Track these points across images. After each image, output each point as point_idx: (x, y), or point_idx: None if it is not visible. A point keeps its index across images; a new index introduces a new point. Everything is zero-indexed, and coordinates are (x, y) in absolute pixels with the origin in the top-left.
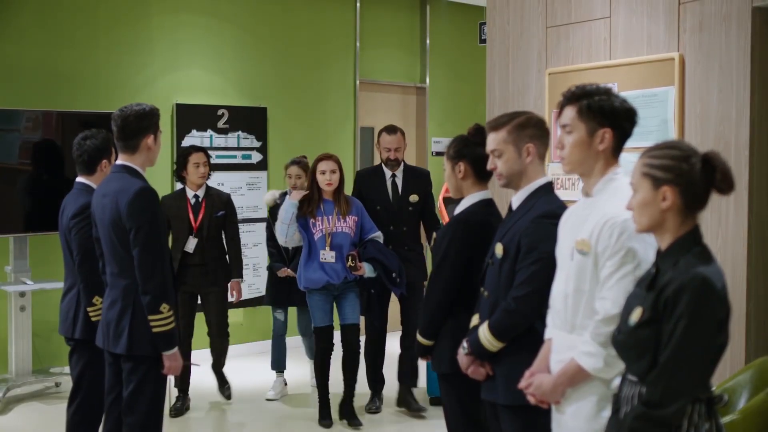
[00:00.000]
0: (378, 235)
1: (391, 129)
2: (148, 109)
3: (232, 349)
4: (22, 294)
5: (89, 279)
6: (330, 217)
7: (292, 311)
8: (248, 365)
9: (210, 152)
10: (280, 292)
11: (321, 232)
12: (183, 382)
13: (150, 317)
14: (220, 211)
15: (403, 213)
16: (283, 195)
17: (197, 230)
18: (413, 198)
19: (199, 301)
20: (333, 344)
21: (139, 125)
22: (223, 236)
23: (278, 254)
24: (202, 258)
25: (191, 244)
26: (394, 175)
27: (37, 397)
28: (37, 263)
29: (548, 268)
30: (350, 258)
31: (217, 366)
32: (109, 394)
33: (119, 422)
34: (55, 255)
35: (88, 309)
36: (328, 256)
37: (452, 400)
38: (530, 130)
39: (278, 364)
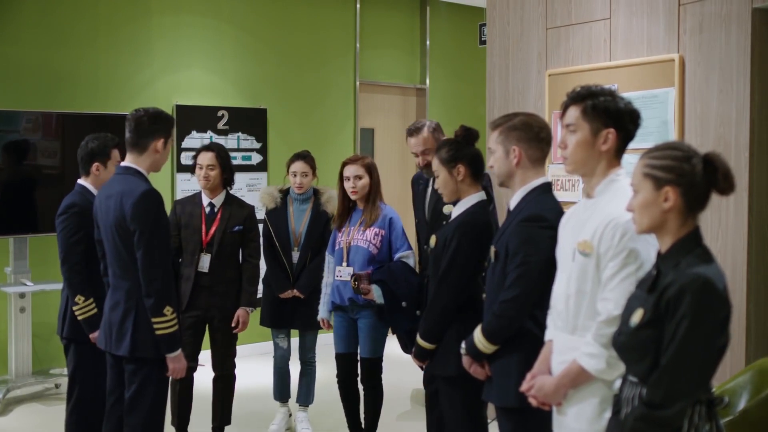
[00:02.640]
0: (405, 255)
1: (412, 129)
2: (164, 114)
3: (239, 350)
4: (22, 295)
5: (71, 277)
6: (353, 228)
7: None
8: (253, 366)
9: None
10: (282, 313)
11: (339, 245)
12: (181, 420)
13: (153, 319)
14: (237, 226)
15: (435, 230)
16: (285, 193)
17: (207, 245)
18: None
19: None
20: (355, 374)
21: (151, 126)
22: (240, 255)
23: (281, 271)
24: (212, 279)
25: (204, 262)
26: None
27: (37, 399)
28: (38, 264)
29: (534, 271)
30: (354, 279)
31: (221, 425)
32: (111, 395)
33: (120, 423)
34: (55, 256)
35: (73, 308)
36: (344, 273)
37: (456, 403)
38: (520, 133)
39: (281, 394)
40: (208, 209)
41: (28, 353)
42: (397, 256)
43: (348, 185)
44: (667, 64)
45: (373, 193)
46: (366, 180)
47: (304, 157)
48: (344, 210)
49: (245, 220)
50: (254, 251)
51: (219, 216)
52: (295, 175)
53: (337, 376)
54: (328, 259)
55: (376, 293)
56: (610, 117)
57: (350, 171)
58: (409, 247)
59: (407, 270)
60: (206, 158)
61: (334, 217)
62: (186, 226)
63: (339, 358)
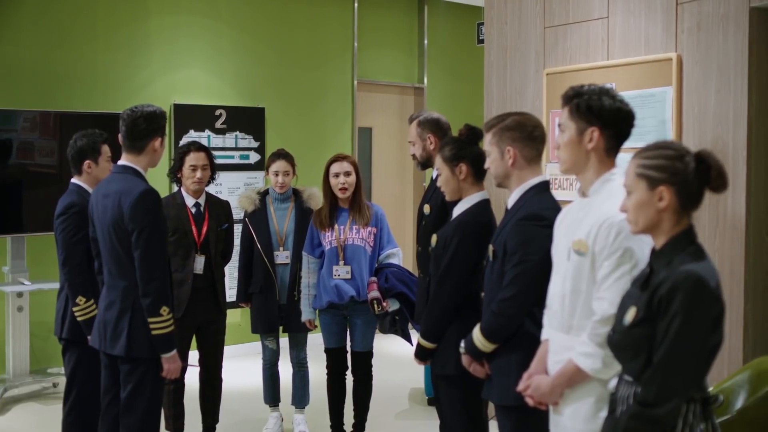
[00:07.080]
0: (392, 253)
1: (410, 118)
2: (158, 112)
3: (230, 351)
4: (20, 294)
5: (72, 278)
6: (343, 227)
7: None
8: (247, 365)
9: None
10: (273, 316)
11: (331, 244)
12: (177, 420)
13: (150, 320)
14: (225, 224)
15: (419, 228)
16: (264, 195)
17: (201, 246)
18: (426, 209)
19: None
20: (345, 367)
21: (148, 127)
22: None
23: (261, 271)
24: (209, 280)
25: (199, 263)
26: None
27: (35, 398)
28: (35, 264)
29: (532, 269)
30: (375, 303)
31: (210, 426)
32: (106, 395)
33: (116, 423)
34: (53, 255)
35: (73, 309)
36: (342, 271)
37: (455, 401)
38: (513, 133)
39: (272, 397)
40: (194, 210)
41: (25, 352)
42: (384, 253)
43: (337, 181)
44: (665, 63)
45: (359, 192)
46: (354, 177)
47: (285, 156)
48: (330, 209)
49: (228, 217)
50: (230, 250)
51: (207, 216)
52: (276, 174)
53: (329, 370)
54: (308, 259)
55: (393, 305)
56: (593, 115)
57: (340, 168)
58: (396, 244)
59: (408, 274)
60: (201, 158)
61: (318, 216)
62: (174, 229)
63: (331, 352)
